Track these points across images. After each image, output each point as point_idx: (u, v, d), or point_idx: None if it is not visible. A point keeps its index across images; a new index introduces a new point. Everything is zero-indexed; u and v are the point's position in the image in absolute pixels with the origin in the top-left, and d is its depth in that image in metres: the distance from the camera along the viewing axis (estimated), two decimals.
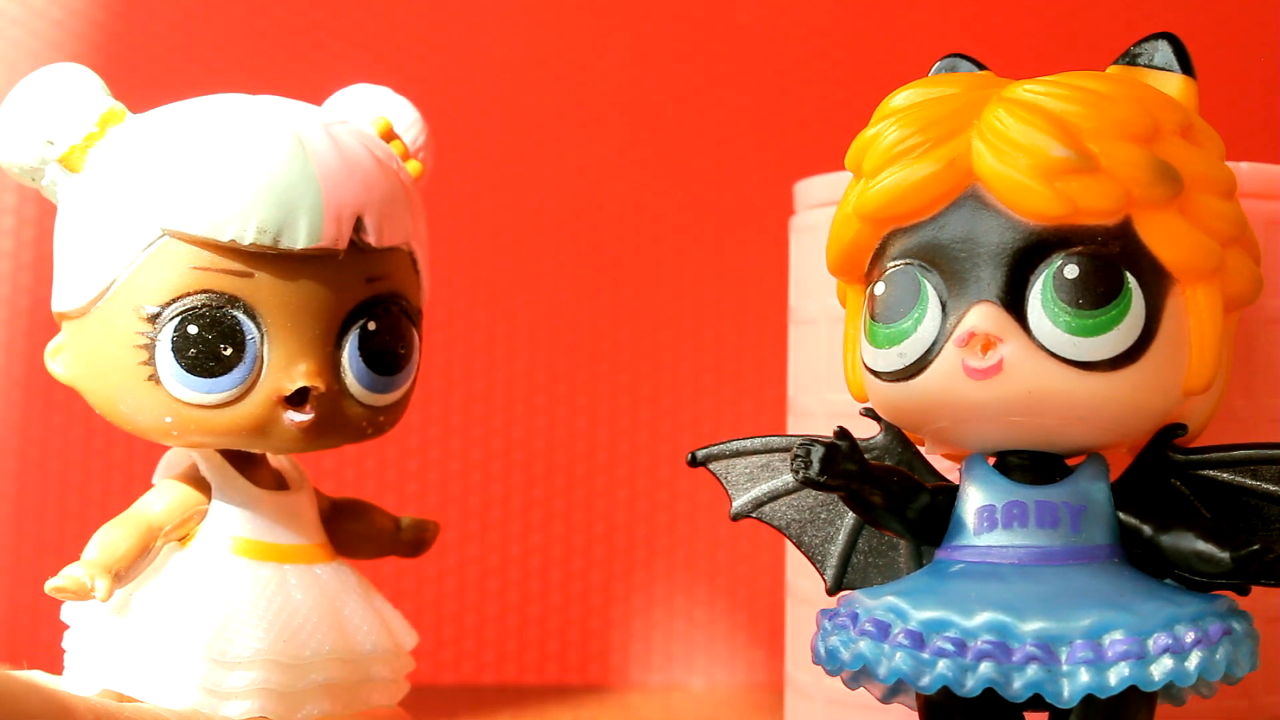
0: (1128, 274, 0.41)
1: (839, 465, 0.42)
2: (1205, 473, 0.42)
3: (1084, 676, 0.39)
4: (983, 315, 0.41)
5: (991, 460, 0.43)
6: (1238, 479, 0.42)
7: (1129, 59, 0.46)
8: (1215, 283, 0.42)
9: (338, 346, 0.45)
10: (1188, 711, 0.44)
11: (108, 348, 0.44)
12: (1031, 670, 0.39)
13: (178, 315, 0.43)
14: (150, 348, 0.43)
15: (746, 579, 0.77)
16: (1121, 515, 0.42)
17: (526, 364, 0.77)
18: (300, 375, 0.44)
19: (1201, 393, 0.42)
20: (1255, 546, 0.39)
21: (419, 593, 0.74)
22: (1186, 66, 0.46)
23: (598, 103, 0.79)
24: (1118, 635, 0.39)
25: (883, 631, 0.41)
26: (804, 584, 0.56)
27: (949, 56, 0.47)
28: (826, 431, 0.55)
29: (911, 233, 0.42)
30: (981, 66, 0.47)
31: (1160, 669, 0.39)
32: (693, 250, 0.79)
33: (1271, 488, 0.42)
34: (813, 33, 0.76)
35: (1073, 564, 0.41)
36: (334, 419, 0.45)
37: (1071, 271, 0.41)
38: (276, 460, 0.48)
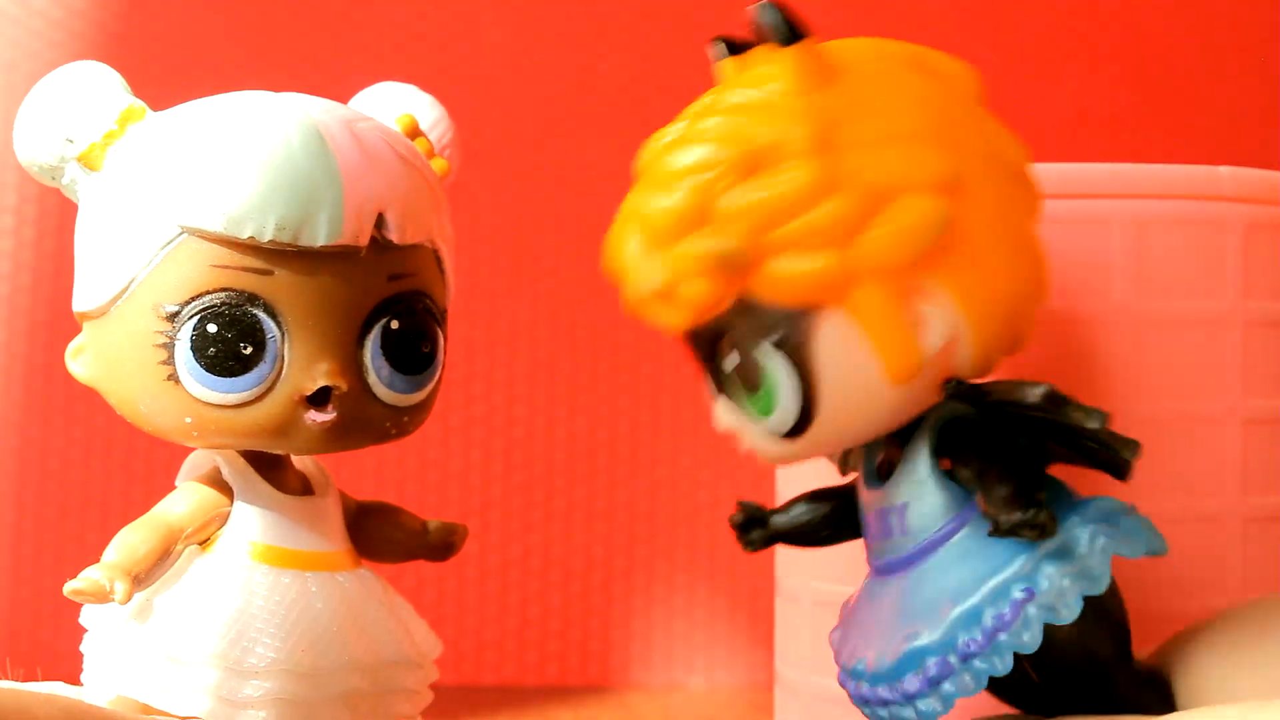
0: (761, 356, 0.41)
1: (747, 535, 0.48)
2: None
3: (925, 704, 0.41)
4: (721, 409, 0.44)
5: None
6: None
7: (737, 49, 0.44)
8: (843, 291, 0.40)
9: (360, 345, 0.44)
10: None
11: (127, 348, 0.44)
12: (888, 711, 0.42)
13: (197, 314, 0.43)
14: (170, 347, 0.43)
15: (746, 579, 0.77)
16: (941, 468, 0.42)
17: (527, 365, 0.77)
18: (322, 375, 0.43)
19: (910, 377, 0.40)
20: (1016, 518, 0.39)
21: (419, 593, 0.74)
22: (785, 34, 0.42)
23: (609, 105, 0.79)
24: (931, 662, 0.40)
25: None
26: (792, 582, 0.57)
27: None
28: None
29: None
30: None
31: (974, 672, 0.40)
32: None
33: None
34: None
35: (910, 570, 0.42)
36: (356, 419, 0.44)
37: (730, 364, 0.42)
38: (301, 463, 0.47)
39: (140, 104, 0.45)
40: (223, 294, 0.43)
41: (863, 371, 0.40)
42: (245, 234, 0.42)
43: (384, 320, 0.44)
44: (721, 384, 0.43)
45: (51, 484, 0.75)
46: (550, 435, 0.77)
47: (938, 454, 0.42)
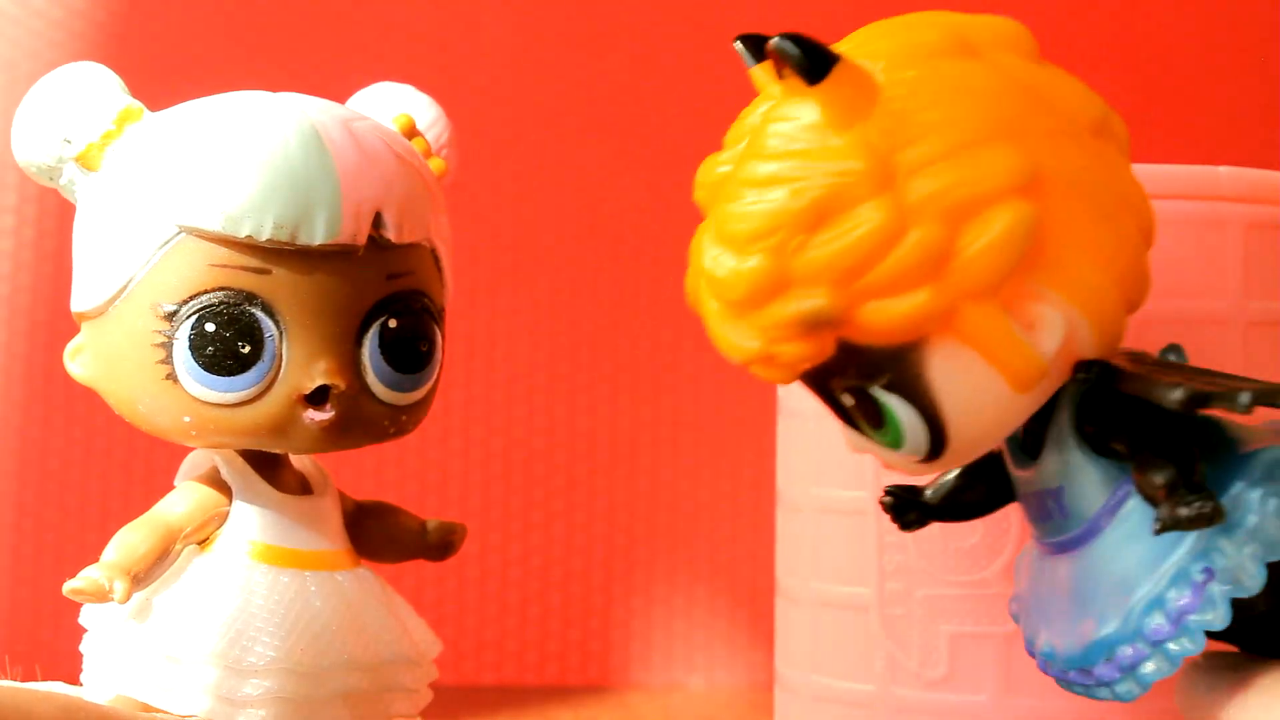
0: (878, 395, 0.39)
1: (904, 518, 0.46)
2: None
3: (1122, 688, 0.40)
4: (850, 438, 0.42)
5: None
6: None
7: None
8: (946, 319, 0.38)
9: (358, 344, 0.44)
10: None
11: (125, 347, 0.44)
12: (1085, 690, 0.41)
13: (195, 313, 0.43)
14: (168, 346, 0.43)
15: (746, 579, 0.77)
16: (1088, 442, 0.40)
17: (526, 364, 0.77)
18: (320, 373, 0.43)
19: (1036, 382, 0.39)
20: (1182, 514, 0.37)
21: (418, 593, 0.74)
22: (814, 66, 0.38)
23: (607, 103, 0.79)
24: (1121, 650, 0.39)
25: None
26: (792, 582, 0.57)
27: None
28: (812, 426, 0.56)
29: None
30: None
31: (1167, 655, 0.39)
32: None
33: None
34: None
35: (1078, 551, 0.41)
36: (355, 418, 0.44)
37: (848, 403, 0.40)
38: (300, 463, 0.47)
39: (138, 104, 0.45)
40: (221, 293, 0.43)
41: (986, 389, 0.39)
42: (243, 233, 0.42)
43: (382, 319, 0.44)
44: (845, 419, 0.41)
45: (51, 484, 0.75)
46: (550, 435, 0.77)
47: (1081, 422, 0.40)
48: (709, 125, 0.80)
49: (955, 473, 0.45)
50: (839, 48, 0.39)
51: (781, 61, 0.39)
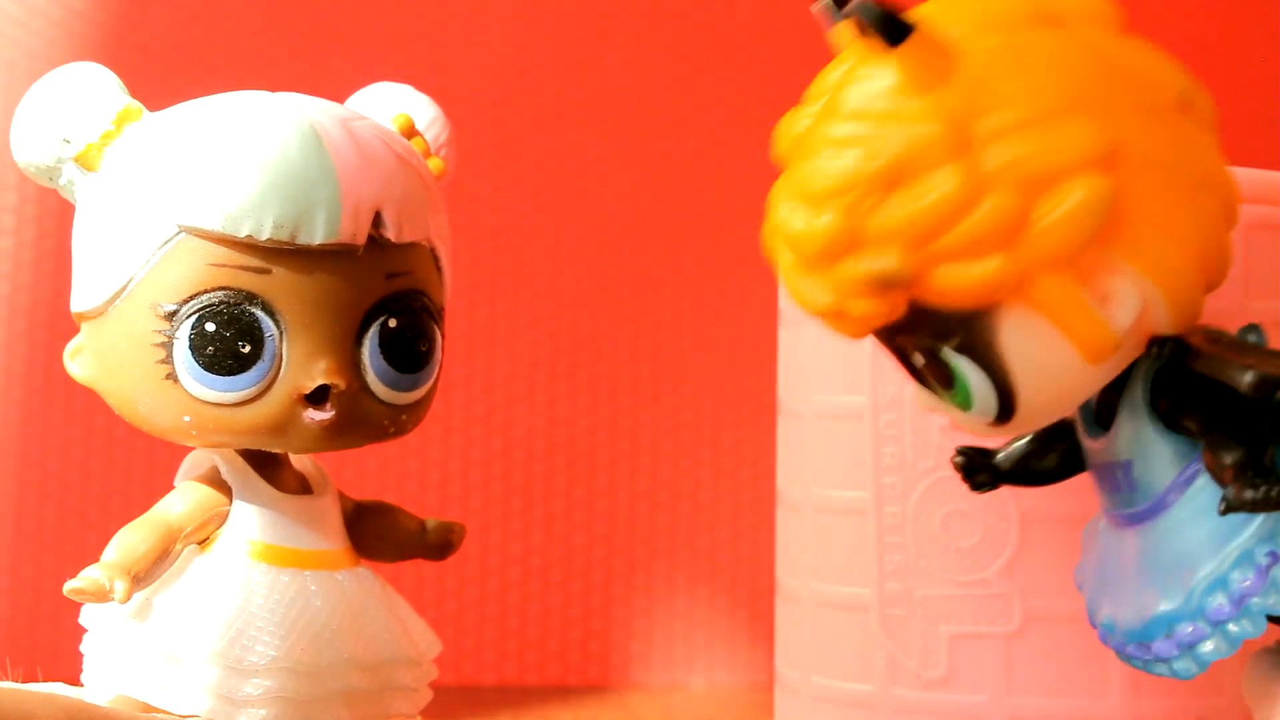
0: (948, 356, 0.39)
1: (975, 479, 0.45)
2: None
3: (1180, 665, 0.40)
4: (922, 396, 0.42)
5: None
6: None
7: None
8: (1019, 287, 0.38)
9: (358, 344, 0.44)
10: None
11: (125, 347, 0.44)
12: (1144, 664, 0.40)
13: (195, 313, 0.43)
14: (168, 346, 0.43)
15: (746, 579, 0.77)
16: (1160, 418, 0.40)
17: (527, 364, 0.77)
18: (320, 373, 0.43)
19: (1108, 355, 0.39)
20: (1248, 496, 0.37)
21: (418, 593, 0.74)
22: (890, 29, 0.38)
23: (606, 102, 0.79)
24: (1181, 628, 0.39)
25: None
26: (793, 582, 0.57)
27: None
28: (812, 426, 0.56)
29: None
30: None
31: (1227, 636, 0.39)
32: (692, 251, 0.79)
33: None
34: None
35: (1146, 525, 0.41)
36: (354, 417, 0.44)
37: (919, 362, 0.40)
38: (299, 463, 0.47)
39: (137, 104, 0.45)
40: (221, 293, 0.43)
41: (1057, 358, 0.38)
42: (243, 232, 0.42)
43: (382, 318, 0.44)
44: (916, 377, 0.41)
45: (51, 484, 0.75)
46: (550, 435, 0.77)
47: (1154, 397, 0.40)
48: (709, 126, 0.81)
49: (1027, 438, 0.45)
50: (920, 12, 0.39)
51: (862, 23, 0.38)
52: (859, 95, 0.39)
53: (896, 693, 0.53)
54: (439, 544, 0.50)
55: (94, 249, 0.44)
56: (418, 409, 0.46)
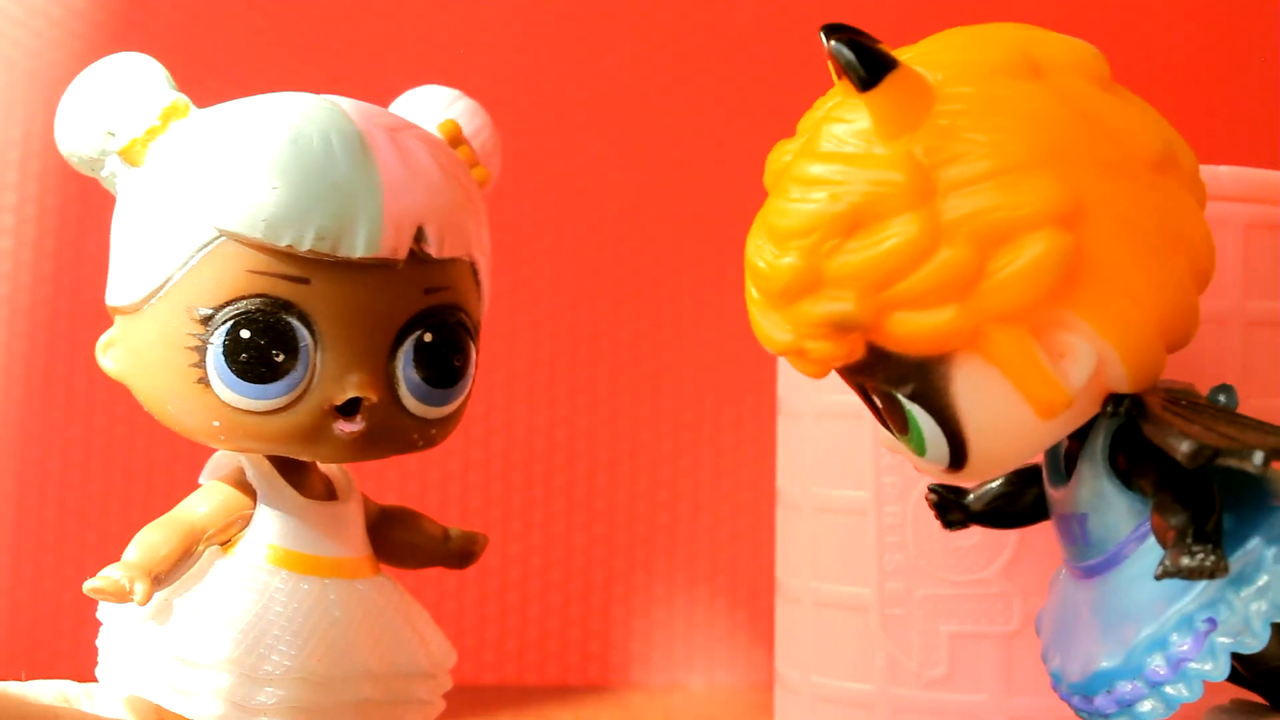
0: (901, 400, 0.39)
1: (947, 517, 0.46)
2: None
3: None
4: (884, 437, 0.42)
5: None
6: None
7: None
8: (973, 338, 0.38)
9: (391, 357, 0.43)
10: None
11: (159, 347, 0.43)
12: (1089, 717, 0.40)
13: (231, 319, 0.42)
14: (201, 350, 0.42)
15: (746, 579, 0.77)
16: (1119, 474, 0.40)
17: (527, 364, 0.77)
18: (352, 385, 0.43)
19: (1060, 410, 0.39)
20: (1183, 564, 0.36)
21: (418, 593, 0.74)
22: (865, 65, 0.38)
23: (609, 105, 0.79)
24: (1120, 686, 0.39)
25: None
26: (793, 582, 0.57)
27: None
28: (812, 426, 0.56)
29: None
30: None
31: (1164, 699, 0.39)
32: (692, 251, 0.79)
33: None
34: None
35: (1098, 579, 0.41)
36: (384, 430, 0.44)
37: (879, 403, 0.41)
38: (325, 467, 0.47)
39: (184, 100, 0.44)
40: (258, 300, 0.42)
41: (1009, 411, 0.39)
42: (284, 242, 0.42)
43: (417, 333, 0.44)
44: (878, 417, 0.41)
45: (51, 484, 0.75)
46: (550, 435, 0.77)
47: (1113, 451, 0.40)
48: (709, 125, 0.81)
49: (1000, 481, 0.45)
50: (903, 53, 0.39)
51: (836, 64, 0.38)
52: (832, 135, 0.39)
53: (896, 692, 0.53)
54: (461, 553, 0.50)
55: (133, 245, 0.44)
56: (448, 423, 0.46)
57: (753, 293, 0.40)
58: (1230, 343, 0.52)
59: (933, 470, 0.41)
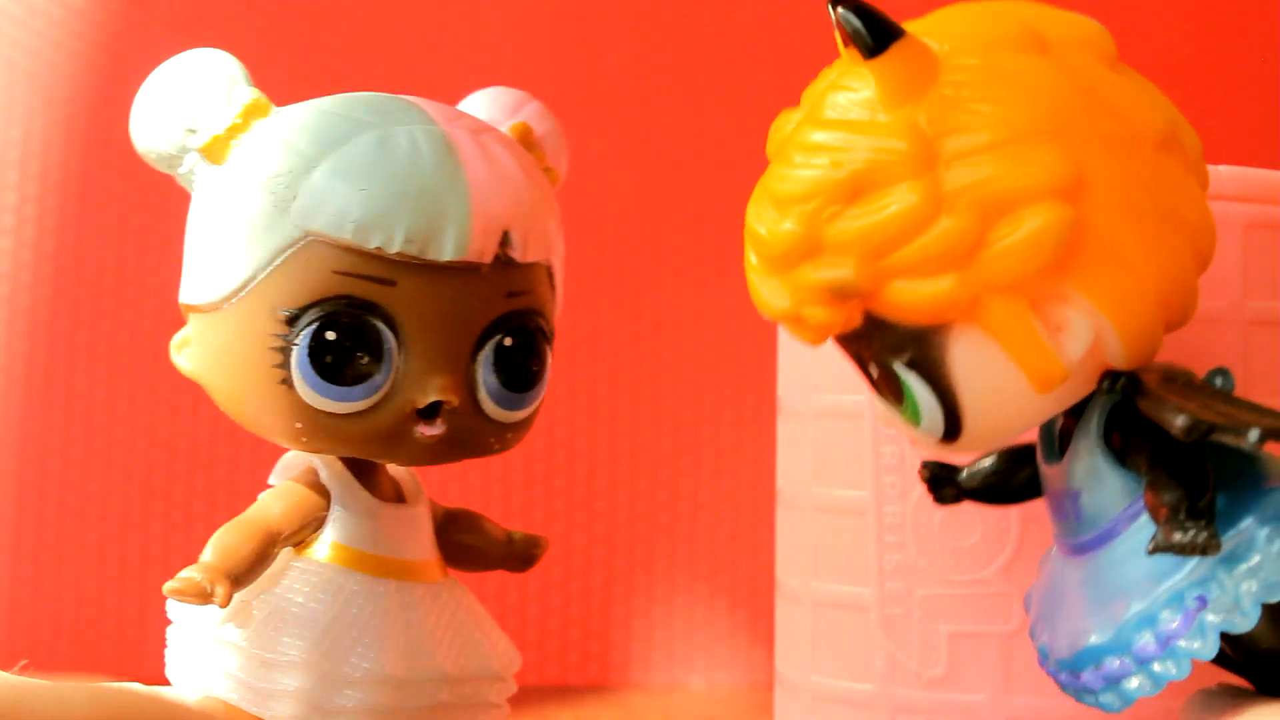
0: (899, 371, 0.39)
1: (940, 492, 0.46)
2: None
3: (1105, 698, 0.40)
4: (880, 407, 0.42)
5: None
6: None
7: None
8: (972, 308, 0.38)
9: (472, 361, 0.43)
10: None
11: (240, 347, 0.43)
12: (1074, 693, 0.41)
13: (316, 320, 0.42)
14: (285, 351, 0.42)
15: (746, 579, 0.77)
16: (1113, 452, 0.40)
17: None
18: (435, 389, 0.42)
19: (1056, 384, 0.39)
20: (1175, 539, 0.37)
21: None
22: (873, 32, 0.38)
23: (611, 108, 0.79)
24: (1108, 661, 0.39)
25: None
26: (793, 582, 0.57)
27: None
28: (812, 426, 0.56)
29: None
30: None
31: (1151, 675, 0.39)
32: (693, 251, 0.79)
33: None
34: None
35: (1089, 556, 0.41)
36: (463, 434, 0.44)
37: (874, 373, 0.40)
38: (395, 470, 0.46)
39: (264, 98, 0.44)
40: (343, 301, 0.42)
41: (1005, 383, 0.39)
42: (372, 244, 0.41)
43: (498, 337, 0.43)
44: (874, 387, 0.41)
45: (51, 484, 0.75)
46: (550, 435, 0.77)
47: (1109, 429, 0.40)
48: (710, 124, 0.81)
49: (995, 456, 0.45)
50: (910, 25, 0.39)
51: (843, 31, 0.38)
52: (836, 103, 0.39)
53: (896, 692, 0.53)
54: (524, 556, 0.49)
55: (213, 243, 0.43)
56: (522, 427, 0.46)
57: (752, 258, 0.40)
58: (1230, 343, 0.52)
59: (927, 441, 0.41)
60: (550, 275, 0.46)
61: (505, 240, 0.43)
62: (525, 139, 0.47)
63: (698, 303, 0.78)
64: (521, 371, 0.44)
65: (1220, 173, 0.52)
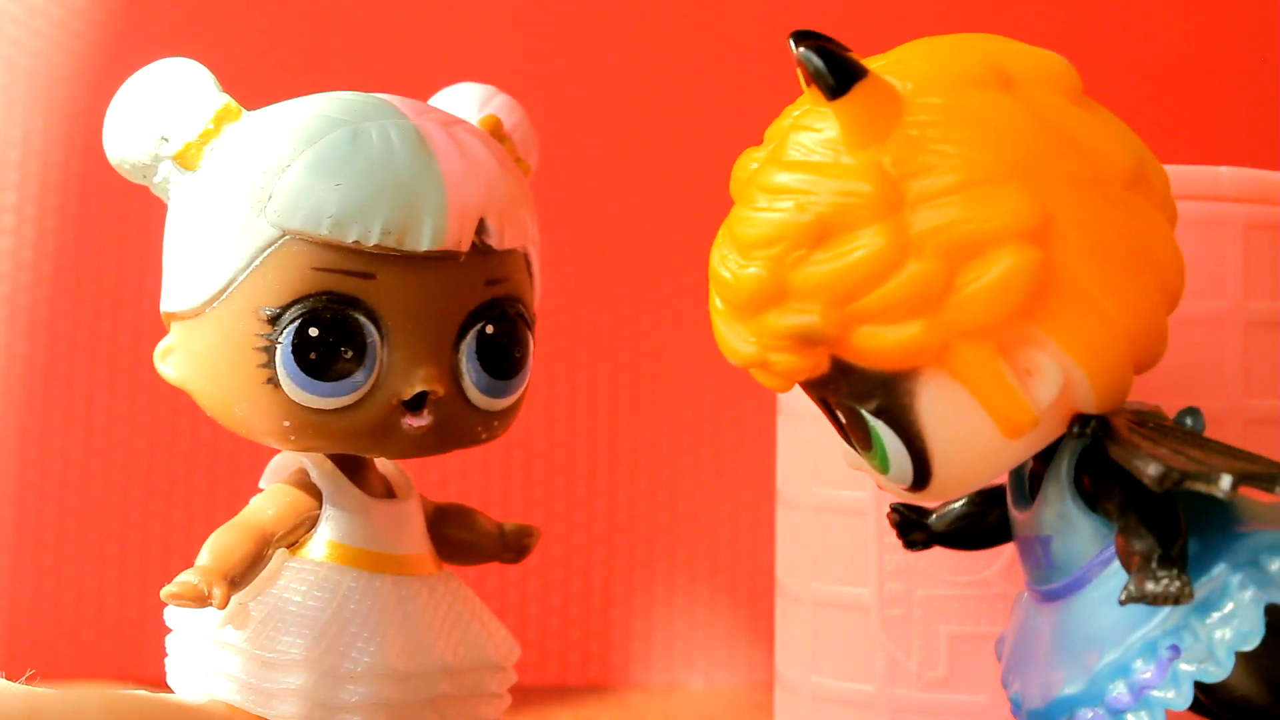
0: (865, 416, 0.39)
1: (909, 537, 0.46)
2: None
3: None
4: (847, 453, 0.42)
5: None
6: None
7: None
8: (939, 353, 0.37)
9: (455, 350, 0.44)
10: None
11: (224, 350, 0.43)
12: None
13: (299, 317, 0.42)
14: (270, 350, 0.42)
15: (746, 579, 0.77)
16: (1084, 497, 0.40)
17: None
18: (420, 380, 0.43)
19: (1026, 430, 0.38)
20: (1148, 589, 0.36)
21: None
22: (834, 73, 0.37)
23: (611, 108, 0.79)
24: (1082, 713, 0.39)
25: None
26: (793, 582, 0.57)
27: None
28: (812, 426, 0.55)
29: None
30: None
31: (1135, 717, 0.38)
32: (693, 251, 0.79)
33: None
34: None
35: (1060, 604, 0.40)
36: (450, 424, 0.44)
37: (842, 419, 0.40)
38: (383, 466, 0.47)
39: (235, 103, 0.44)
40: (325, 298, 0.42)
41: (974, 429, 0.38)
42: (350, 238, 0.42)
43: (479, 325, 0.44)
44: (841, 433, 0.41)
45: (51, 484, 0.75)
46: (550, 435, 0.77)
47: (1079, 473, 0.39)
48: (710, 124, 0.81)
49: (963, 500, 0.45)
50: (874, 62, 0.38)
51: (805, 71, 0.38)
52: (800, 143, 0.38)
53: (896, 693, 0.53)
54: (516, 547, 0.50)
55: (191, 249, 0.43)
56: (508, 415, 0.46)
57: (716, 303, 0.40)
58: (1230, 343, 0.52)
59: (895, 489, 0.40)
60: (528, 262, 0.46)
61: (482, 228, 0.43)
62: (496, 132, 0.47)
63: (698, 303, 0.78)
64: (505, 358, 0.45)
65: (1220, 173, 0.52)
